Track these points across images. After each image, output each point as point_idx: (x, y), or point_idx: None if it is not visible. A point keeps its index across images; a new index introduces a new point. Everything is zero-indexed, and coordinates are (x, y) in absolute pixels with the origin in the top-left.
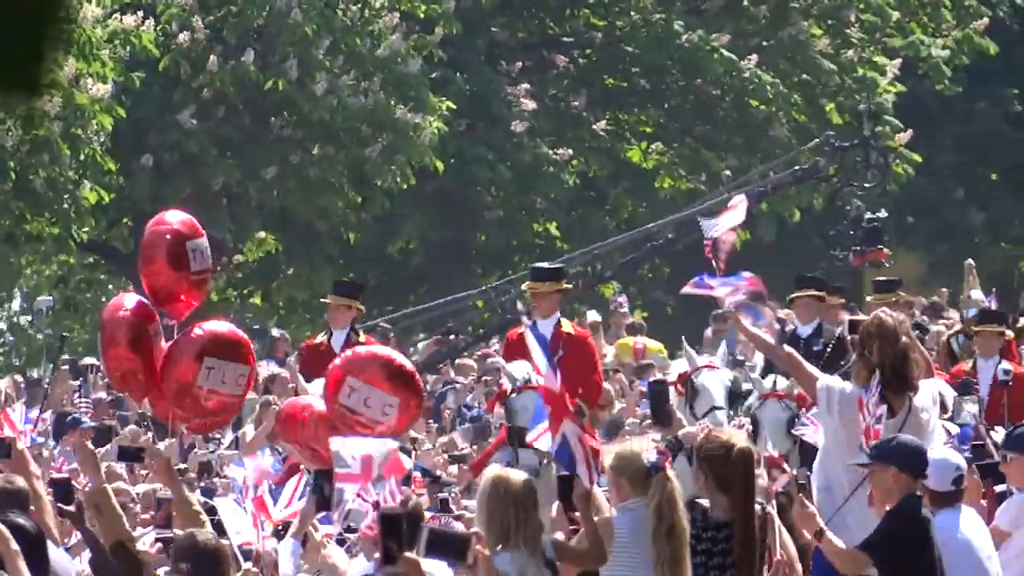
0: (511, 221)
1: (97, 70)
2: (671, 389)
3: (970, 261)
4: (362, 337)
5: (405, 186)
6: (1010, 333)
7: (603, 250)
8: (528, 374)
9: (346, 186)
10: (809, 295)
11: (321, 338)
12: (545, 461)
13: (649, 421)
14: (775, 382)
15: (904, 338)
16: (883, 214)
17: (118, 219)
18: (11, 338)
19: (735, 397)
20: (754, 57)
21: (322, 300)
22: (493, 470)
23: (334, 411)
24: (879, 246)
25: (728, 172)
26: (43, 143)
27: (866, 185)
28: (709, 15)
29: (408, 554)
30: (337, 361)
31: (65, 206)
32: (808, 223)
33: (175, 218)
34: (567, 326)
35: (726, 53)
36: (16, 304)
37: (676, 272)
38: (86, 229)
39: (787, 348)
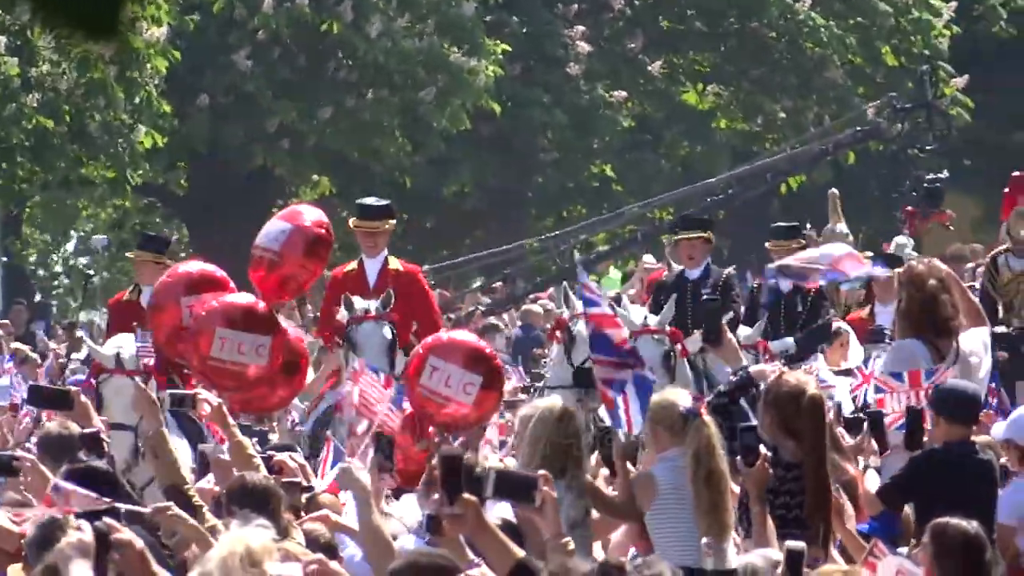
0: (567, 164)
1: (152, 13)
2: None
3: (834, 190)
4: None
5: (460, 129)
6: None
7: (662, 202)
8: (368, 305)
9: (397, 130)
10: (697, 237)
11: (129, 294)
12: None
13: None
14: (645, 318)
15: (933, 281)
16: (944, 175)
17: (174, 162)
18: (67, 280)
19: None
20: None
21: (127, 255)
22: (546, 400)
23: (416, 395)
24: (941, 208)
25: (783, 114)
26: (98, 86)
27: (927, 148)
28: None
29: (468, 496)
30: (419, 347)
31: (120, 150)
32: (865, 166)
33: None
34: (395, 263)
35: None
36: (71, 246)
37: (732, 216)
38: (140, 172)
39: None
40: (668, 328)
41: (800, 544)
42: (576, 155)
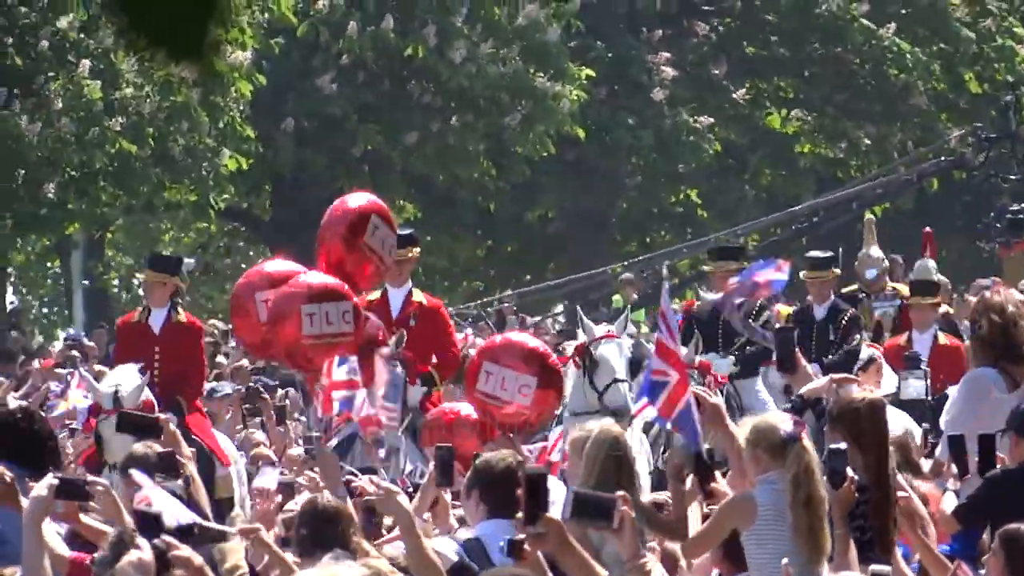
0: (651, 189)
1: (236, 37)
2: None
3: (870, 216)
4: (182, 315)
5: (545, 154)
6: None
7: (746, 230)
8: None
9: (481, 155)
10: (731, 268)
11: (139, 316)
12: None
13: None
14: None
15: (1012, 308)
16: None
17: (258, 186)
18: None
19: (636, 367)
20: (892, 26)
21: (141, 277)
22: (599, 423)
23: (475, 401)
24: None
25: (867, 140)
26: (182, 110)
27: (1011, 176)
28: None
29: (551, 515)
30: (473, 352)
31: (204, 173)
32: (949, 194)
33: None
34: (419, 295)
35: (865, 22)
36: None
37: (815, 244)
38: (225, 196)
39: None
40: (697, 361)
41: (886, 568)
42: (660, 180)
